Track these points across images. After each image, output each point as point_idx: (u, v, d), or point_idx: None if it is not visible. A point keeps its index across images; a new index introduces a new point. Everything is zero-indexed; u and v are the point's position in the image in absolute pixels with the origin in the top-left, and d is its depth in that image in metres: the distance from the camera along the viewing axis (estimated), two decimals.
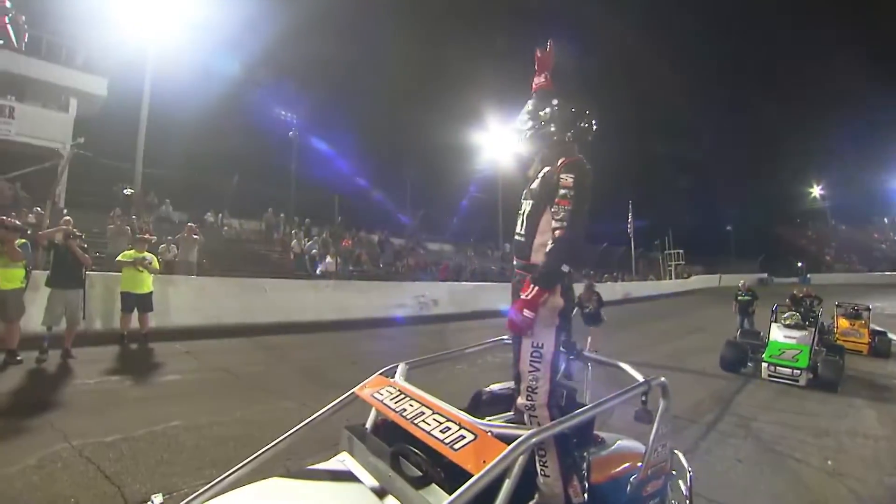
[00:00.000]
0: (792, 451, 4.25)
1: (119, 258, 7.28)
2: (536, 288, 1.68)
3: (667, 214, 39.59)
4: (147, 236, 8.11)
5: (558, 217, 1.72)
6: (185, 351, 6.97)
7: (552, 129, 1.92)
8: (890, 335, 10.14)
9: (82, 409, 4.24)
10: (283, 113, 23.02)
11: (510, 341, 2.38)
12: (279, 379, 5.81)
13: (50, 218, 9.08)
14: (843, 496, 3.41)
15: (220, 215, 18.91)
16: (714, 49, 53.96)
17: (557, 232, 1.70)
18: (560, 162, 1.82)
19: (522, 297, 1.70)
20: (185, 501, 1.45)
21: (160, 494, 1.55)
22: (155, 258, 7.67)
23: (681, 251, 37.02)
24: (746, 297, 10.63)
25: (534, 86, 2.05)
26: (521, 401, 1.80)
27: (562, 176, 1.77)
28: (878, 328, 10.10)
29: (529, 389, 1.76)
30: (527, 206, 1.90)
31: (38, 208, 10.87)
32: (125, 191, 15.56)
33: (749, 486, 3.47)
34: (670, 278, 34.28)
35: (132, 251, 7.31)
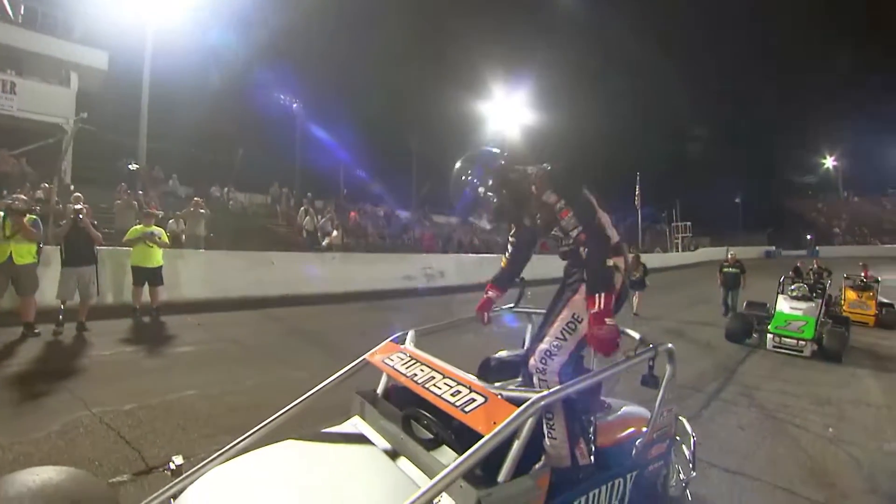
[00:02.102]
0: (793, 418, 4.31)
1: (127, 236, 7.33)
2: (602, 295, 1.62)
3: (674, 186, 39.19)
4: (154, 211, 8.16)
5: (571, 227, 1.73)
6: (196, 323, 7.10)
7: (497, 198, 1.87)
8: None
9: (100, 379, 4.37)
10: (288, 86, 22.68)
11: (522, 310, 2.42)
12: (289, 350, 5.93)
13: (57, 193, 9.13)
14: (842, 461, 3.48)
15: (226, 189, 18.92)
16: (724, 17, 52.01)
17: (581, 237, 1.71)
18: (533, 193, 1.81)
19: (592, 312, 1.64)
20: (203, 463, 1.50)
21: (180, 456, 1.61)
22: (164, 232, 7.73)
23: (688, 223, 36.76)
24: (733, 270, 10.10)
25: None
26: (533, 361, 1.78)
27: (543, 199, 1.78)
28: (885, 300, 10.06)
29: (546, 353, 1.75)
30: (561, 245, 1.92)
31: (45, 184, 10.93)
32: (130, 166, 15.57)
33: (750, 451, 3.54)
34: (677, 250, 34.14)
35: (140, 226, 7.36)
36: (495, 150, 1.98)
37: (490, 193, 1.86)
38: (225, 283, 9.33)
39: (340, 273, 11.53)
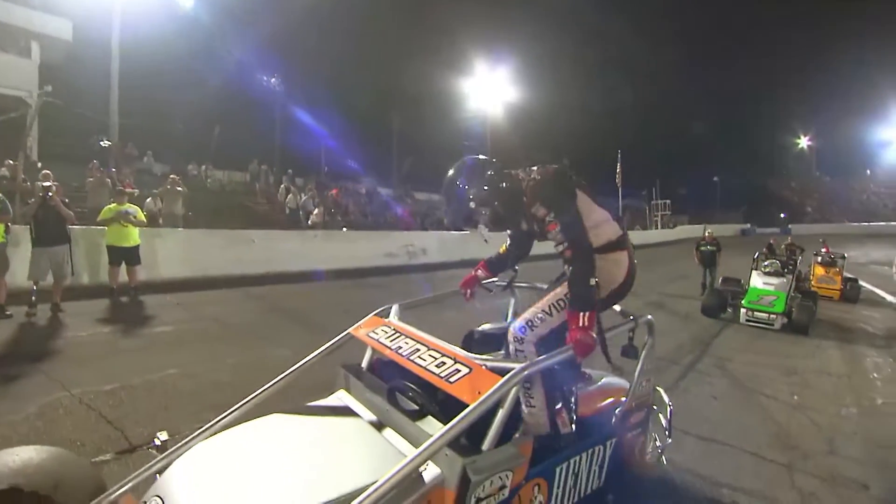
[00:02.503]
0: (763, 388, 4.51)
1: (101, 216, 7.09)
2: (587, 314, 1.61)
3: (654, 165, 39.63)
4: (128, 189, 7.92)
5: (558, 241, 1.75)
6: (175, 303, 6.99)
7: (491, 208, 1.86)
8: (860, 282, 10.56)
9: (77, 360, 4.29)
10: (266, 61, 21.93)
11: (504, 284, 2.45)
12: (271, 327, 5.90)
13: (24, 171, 8.76)
14: (804, 426, 3.68)
15: (204, 167, 18.42)
16: None
17: (566, 253, 1.73)
18: (526, 201, 1.83)
19: (575, 327, 1.61)
20: (188, 438, 1.51)
21: (164, 432, 1.61)
22: (139, 210, 7.52)
23: (667, 202, 37.36)
24: (710, 248, 10.18)
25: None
26: (513, 330, 1.79)
27: (532, 211, 1.80)
28: (849, 275, 10.49)
29: (529, 323, 1.76)
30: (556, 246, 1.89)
31: (10, 161, 10.47)
32: (102, 142, 14.99)
33: (722, 419, 3.70)
34: (656, 228, 34.73)
35: (114, 205, 7.14)
36: (483, 157, 1.96)
37: (483, 206, 1.85)
38: (204, 261, 9.17)
39: (322, 251, 11.43)
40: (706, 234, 10.42)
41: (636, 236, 28.77)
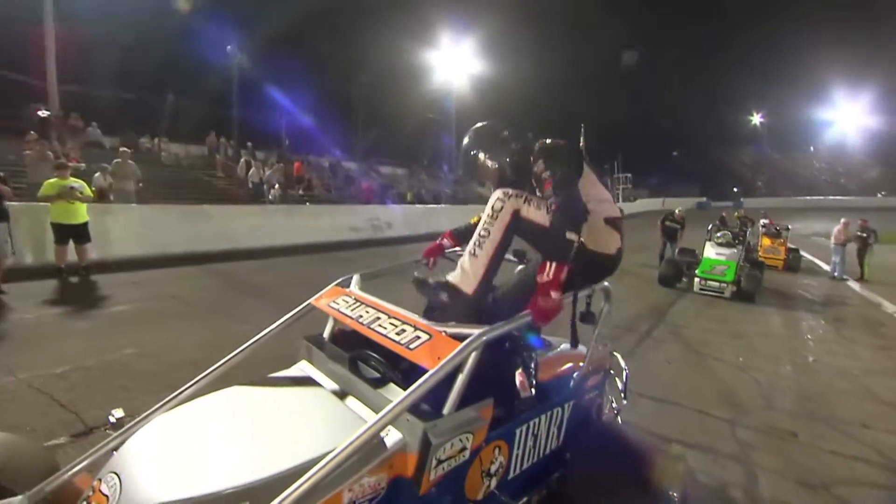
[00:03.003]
0: (712, 352, 4.80)
1: (43, 191, 6.60)
2: (554, 264, 1.56)
3: (616, 139, 40.33)
4: (73, 163, 7.42)
5: (548, 195, 1.73)
6: (131, 281, 6.71)
7: (499, 164, 1.96)
8: (801, 252, 11.29)
9: (24, 343, 4.08)
10: (221, 26, 20.59)
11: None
12: (233, 304, 5.77)
13: None
14: (747, 384, 3.97)
15: (157, 140, 17.43)
16: None
17: (553, 206, 1.68)
18: (531, 163, 1.87)
19: (540, 279, 1.57)
20: (144, 414, 1.48)
21: (120, 409, 1.57)
22: (86, 185, 7.07)
23: (629, 175, 38.27)
24: (675, 225, 10.42)
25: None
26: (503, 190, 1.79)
27: (535, 168, 1.83)
28: (792, 246, 11.19)
29: (520, 195, 1.77)
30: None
31: None
32: (41, 112, 13.90)
33: (674, 382, 3.93)
34: (618, 201, 35.57)
35: (56, 180, 6.67)
36: (501, 124, 2.07)
37: (491, 161, 1.96)
38: (161, 238, 8.79)
39: (284, 226, 11.17)
40: (676, 213, 10.62)
41: None
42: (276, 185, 14.00)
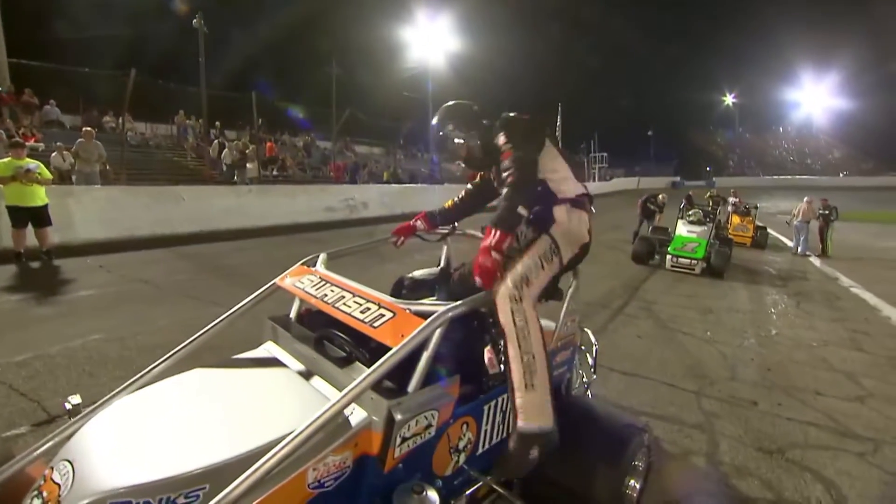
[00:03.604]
0: (681, 326, 4.94)
1: None
2: (499, 231, 1.54)
3: (592, 119, 40.52)
4: (29, 142, 7.04)
5: (506, 166, 1.69)
6: (97, 265, 6.49)
7: (467, 141, 1.98)
8: (769, 230, 11.67)
9: None
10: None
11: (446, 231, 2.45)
12: (205, 287, 5.65)
13: None
14: (713, 356, 4.11)
15: (121, 119, 16.64)
16: None
17: (509, 178, 1.64)
18: (496, 136, 1.84)
19: (485, 243, 1.55)
20: (102, 400, 1.44)
21: (76, 395, 1.53)
22: (42, 166, 6.73)
23: (605, 154, 38.61)
24: (654, 208, 10.60)
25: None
26: (504, 290, 1.59)
27: (496, 141, 1.81)
28: (759, 224, 11.55)
29: (524, 280, 1.62)
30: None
31: None
32: None
33: (644, 356, 4.04)
34: (594, 181, 35.96)
35: (9, 160, 6.33)
36: (472, 102, 2.07)
37: (461, 140, 1.97)
38: (129, 221, 8.51)
39: (258, 207, 10.94)
40: (660, 198, 10.76)
41: None
42: (249, 166, 13.63)
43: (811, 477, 2.43)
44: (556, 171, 1.88)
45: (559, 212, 1.82)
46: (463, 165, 2.10)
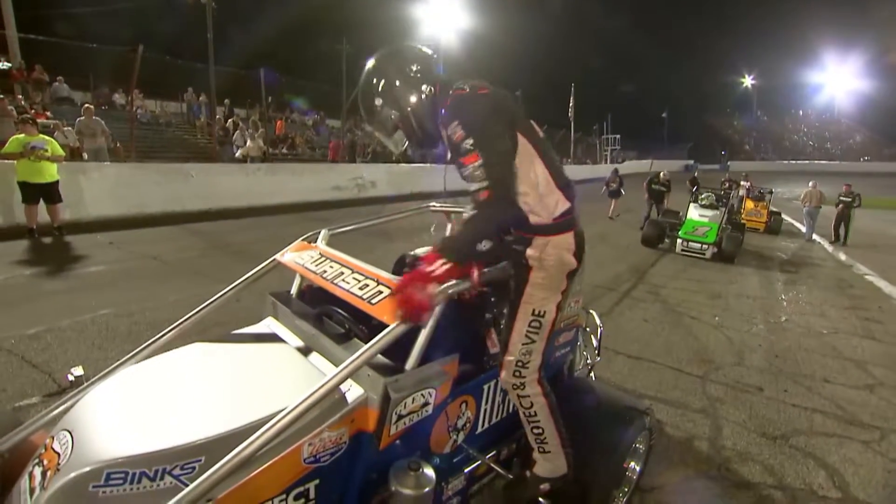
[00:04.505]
0: (689, 311, 4.90)
1: (5, 149, 6.28)
2: (448, 266, 1.25)
3: (606, 100, 39.75)
4: (40, 119, 7.04)
5: (473, 177, 1.31)
6: (108, 242, 6.56)
7: (400, 114, 1.46)
8: (783, 216, 11.46)
9: None
10: None
11: (440, 208, 2.40)
12: (213, 264, 5.70)
13: None
14: (720, 342, 4.07)
15: (130, 96, 16.63)
16: None
17: (481, 195, 1.29)
18: (441, 118, 1.42)
19: (424, 268, 1.24)
20: (103, 372, 1.45)
21: (80, 367, 1.54)
22: (55, 143, 6.76)
23: (617, 136, 37.96)
24: (661, 188, 10.47)
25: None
26: (505, 377, 1.54)
27: (449, 132, 1.36)
28: (774, 209, 11.33)
29: (519, 364, 1.51)
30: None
31: None
32: (1, 64, 13.12)
33: (650, 339, 4.02)
34: (606, 162, 35.42)
35: (21, 136, 6.35)
36: (422, 49, 1.51)
37: (392, 109, 1.45)
38: (138, 198, 8.56)
39: (266, 185, 10.95)
40: (661, 175, 10.64)
41: (587, 170, 29.36)
42: (257, 143, 13.60)
43: (814, 464, 2.41)
44: (534, 186, 1.43)
45: (536, 251, 1.47)
46: (405, 143, 1.55)
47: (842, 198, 9.90)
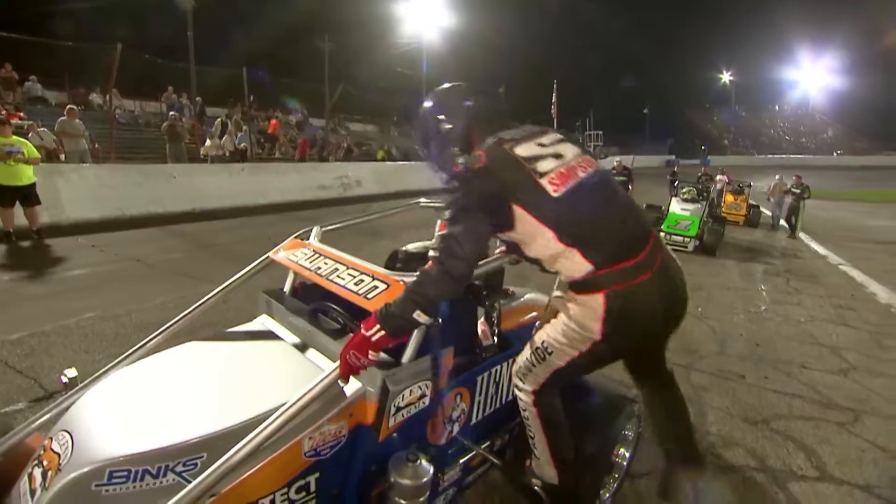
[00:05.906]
0: None
1: None
2: (381, 332, 1.19)
3: (588, 96, 40.11)
4: (13, 119, 6.87)
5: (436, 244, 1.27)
6: (89, 245, 6.43)
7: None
8: (762, 209, 11.75)
9: None
10: None
11: (429, 204, 2.42)
12: (199, 264, 5.64)
13: None
14: (704, 332, 4.18)
15: (108, 96, 16.25)
16: None
17: (428, 262, 1.24)
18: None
19: (362, 331, 1.22)
20: (97, 374, 1.45)
21: (72, 369, 1.54)
22: (30, 145, 6.60)
23: (600, 132, 38.32)
24: (620, 178, 9.99)
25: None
26: (513, 370, 1.59)
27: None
28: (752, 202, 11.62)
29: (520, 372, 1.54)
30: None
31: None
32: None
33: None
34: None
35: None
36: (474, 89, 1.57)
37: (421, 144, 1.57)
38: (119, 200, 8.41)
39: (250, 185, 10.84)
40: (615, 164, 10.68)
41: None
42: (241, 145, 13.44)
43: (794, 446, 2.51)
44: (545, 248, 1.33)
45: (566, 299, 1.39)
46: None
47: (793, 189, 10.23)
